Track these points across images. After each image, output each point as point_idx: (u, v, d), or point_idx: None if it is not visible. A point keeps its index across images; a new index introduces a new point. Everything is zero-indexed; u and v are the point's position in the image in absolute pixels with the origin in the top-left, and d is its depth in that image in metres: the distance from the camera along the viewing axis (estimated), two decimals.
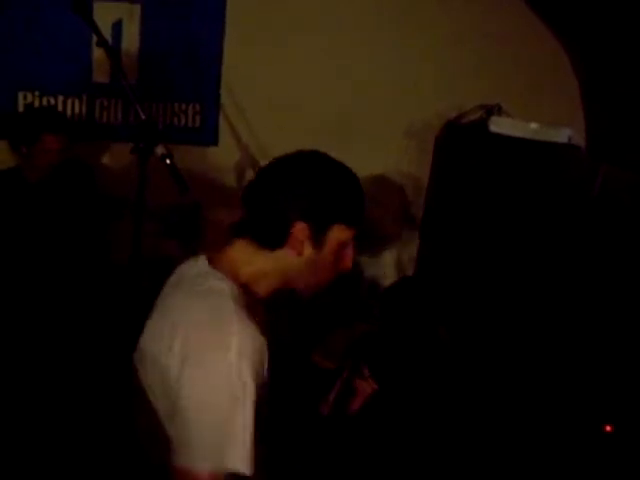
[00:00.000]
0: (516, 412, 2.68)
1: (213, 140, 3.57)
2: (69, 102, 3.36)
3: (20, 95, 3.28)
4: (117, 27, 3.30)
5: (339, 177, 1.54)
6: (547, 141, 3.20)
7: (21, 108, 3.29)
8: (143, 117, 2.14)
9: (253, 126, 3.52)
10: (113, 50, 2.42)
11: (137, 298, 2.38)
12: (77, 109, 3.38)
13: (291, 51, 3.50)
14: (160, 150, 2.17)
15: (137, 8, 3.33)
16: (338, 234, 1.52)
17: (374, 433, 2.10)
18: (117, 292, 2.80)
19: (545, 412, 2.66)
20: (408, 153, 3.75)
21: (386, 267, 3.87)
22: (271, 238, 1.51)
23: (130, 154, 2.21)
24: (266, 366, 1.43)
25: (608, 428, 2.52)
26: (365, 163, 3.62)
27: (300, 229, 1.48)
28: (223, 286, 1.47)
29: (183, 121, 3.51)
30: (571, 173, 3.12)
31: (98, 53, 3.21)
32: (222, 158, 3.58)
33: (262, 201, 1.52)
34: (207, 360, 1.38)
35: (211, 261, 1.55)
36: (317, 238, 1.50)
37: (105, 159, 3.45)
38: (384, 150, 3.68)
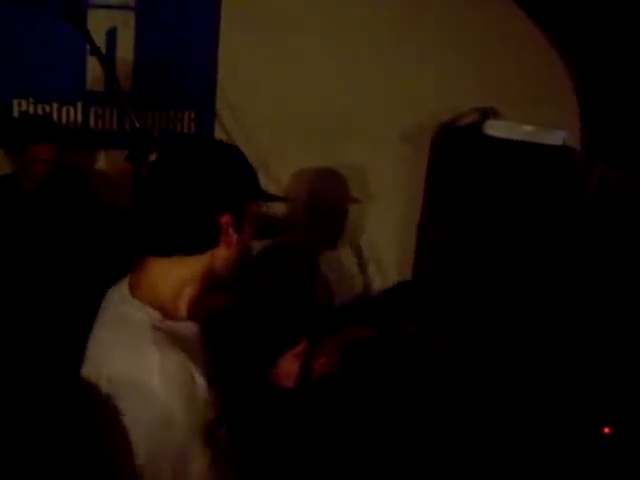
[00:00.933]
0: (513, 414, 2.68)
1: None
2: (63, 110, 3.36)
3: (15, 102, 3.27)
4: (111, 34, 3.30)
5: (234, 157, 1.50)
6: (542, 143, 3.21)
7: (16, 115, 3.29)
8: (137, 125, 2.16)
9: (248, 132, 3.52)
10: (106, 58, 2.43)
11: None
12: (72, 117, 3.37)
13: (286, 55, 3.50)
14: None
15: (131, 15, 3.32)
16: (251, 211, 1.50)
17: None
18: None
19: (543, 414, 2.66)
20: (404, 155, 3.75)
21: (382, 271, 3.87)
22: (202, 242, 1.45)
23: (125, 162, 2.22)
24: (200, 384, 1.42)
25: (606, 430, 2.52)
26: (361, 167, 3.68)
27: (226, 221, 1.44)
28: (141, 315, 1.43)
29: (179, 128, 3.51)
30: (566, 175, 3.12)
31: (92, 61, 3.20)
32: None
33: (177, 209, 1.42)
34: (132, 400, 1.37)
35: (131, 286, 1.49)
36: (239, 223, 1.46)
37: (99, 167, 3.44)
38: (380, 153, 3.69)
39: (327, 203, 3.61)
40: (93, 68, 3.27)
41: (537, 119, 3.33)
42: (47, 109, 3.33)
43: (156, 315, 1.44)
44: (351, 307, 3.71)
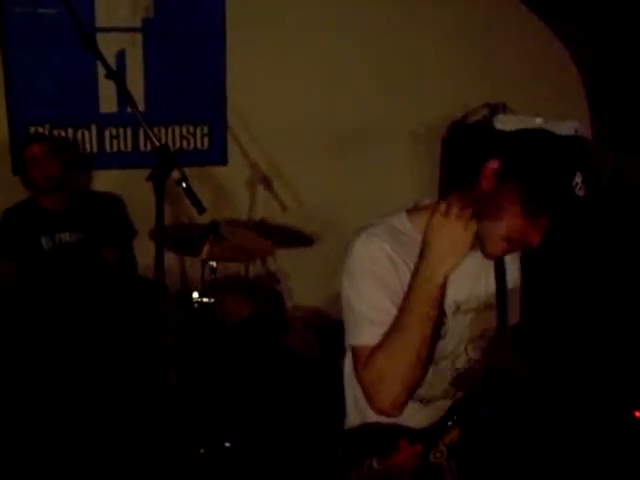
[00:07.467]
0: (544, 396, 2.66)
1: (222, 160, 3.62)
2: (79, 133, 3.41)
3: (32, 129, 3.33)
4: (121, 57, 3.35)
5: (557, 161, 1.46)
6: None
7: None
8: (157, 144, 2.16)
9: (261, 143, 3.56)
10: (121, 80, 2.46)
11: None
12: (87, 140, 3.42)
13: (291, 66, 3.55)
14: (176, 175, 2.19)
15: (139, 37, 3.37)
16: (511, 195, 1.48)
17: None
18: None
19: (575, 397, 2.65)
20: (417, 155, 3.78)
21: None
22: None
23: (147, 181, 2.24)
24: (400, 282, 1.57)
25: (639, 414, 2.51)
26: (375, 170, 3.69)
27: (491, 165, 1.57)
28: (396, 221, 1.65)
29: (192, 144, 3.56)
30: None
31: (104, 84, 3.26)
32: (232, 177, 3.63)
33: None
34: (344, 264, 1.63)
35: (411, 210, 1.70)
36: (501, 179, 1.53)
37: (118, 188, 3.49)
38: (394, 154, 3.74)
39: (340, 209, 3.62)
40: (105, 91, 3.33)
41: (546, 113, 3.34)
42: (62, 134, 3.38)
43: (407, 225, 1.65)
44: None
